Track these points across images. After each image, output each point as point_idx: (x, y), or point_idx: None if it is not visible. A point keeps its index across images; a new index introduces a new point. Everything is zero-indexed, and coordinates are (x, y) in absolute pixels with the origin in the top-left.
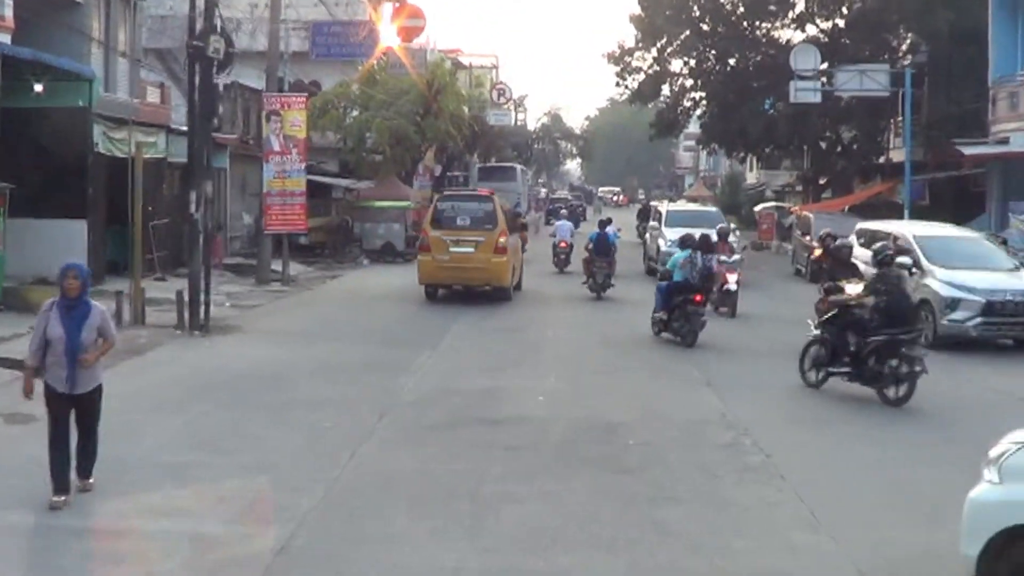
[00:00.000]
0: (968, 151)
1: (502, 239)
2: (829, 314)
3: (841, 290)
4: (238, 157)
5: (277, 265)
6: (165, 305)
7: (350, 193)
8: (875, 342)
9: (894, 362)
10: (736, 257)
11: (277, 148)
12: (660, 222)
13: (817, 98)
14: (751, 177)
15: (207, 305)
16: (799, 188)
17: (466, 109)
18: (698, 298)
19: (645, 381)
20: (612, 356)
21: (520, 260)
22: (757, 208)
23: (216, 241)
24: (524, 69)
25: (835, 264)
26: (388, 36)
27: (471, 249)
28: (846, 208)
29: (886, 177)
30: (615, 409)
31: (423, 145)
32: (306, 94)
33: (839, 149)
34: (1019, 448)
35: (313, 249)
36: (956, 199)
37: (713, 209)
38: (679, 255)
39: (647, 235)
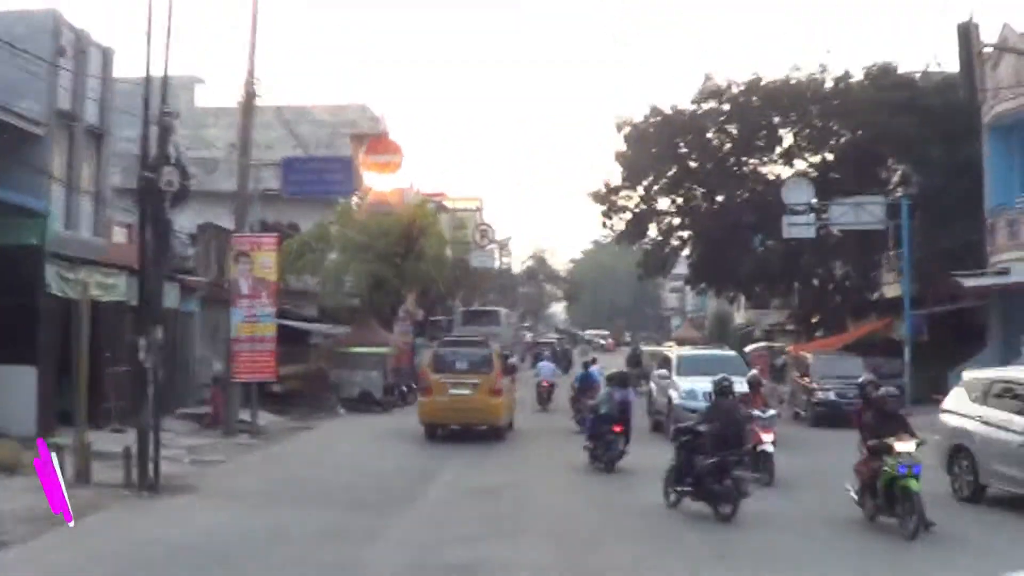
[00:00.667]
0: (968, 283)
1: (497, 381)
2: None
3: (889, 449)
4: (211, 302)
5: (248, 415)
6: (117, 460)
7: (327, 339)
8: (710, 463)
9: (728, 482)
10: (771, 412)
11: (246, 291)
12: (670, 370)
13: (811, 233)
14: (739, 317)
15: (157, 462)
16: (790, 327)
17: (448, 252)
18: (617, 428)
19: (648, 556)
20: (610, 524)
21: (513, 401)
22: (748, 348)
23: (216, 393)
24: (508, 211)
25: (879, 417)
26: (367, 174)
27: (469, 391)
28: (840, 347)
29: (881, 313)
30: None
31: (403, 289)
32: (277, 234)
33: (831, 286)
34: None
35: (287, 398)
36: (956, 334)
37: (731, 353)
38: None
39: (652, 385)
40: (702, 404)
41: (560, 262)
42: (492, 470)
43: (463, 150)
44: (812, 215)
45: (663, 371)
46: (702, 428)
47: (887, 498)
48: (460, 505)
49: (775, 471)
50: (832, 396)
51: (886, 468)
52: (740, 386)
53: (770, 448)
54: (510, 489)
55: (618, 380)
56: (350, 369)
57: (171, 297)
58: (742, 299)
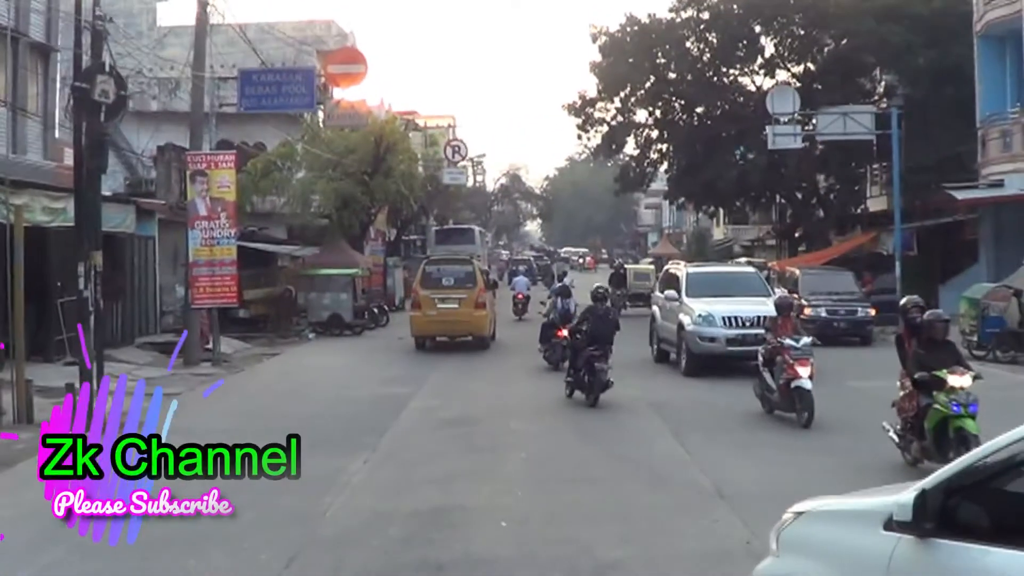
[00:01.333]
0: (961, 196)
1: (481, 296)
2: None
3: (941, 384)
4: (171, 225)
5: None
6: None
7: (295, 261)
8: (582, 359)
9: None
10: (806, 340)
11: (204, 212)
12: (679, 291)
13: (798, 143)
14: (718, 232)
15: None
16: (771, 242)
17: (420, 169)
18: (560, 333)
19: (640, 494)
20: (596, 459)
21: (495, 314)
22: (740, 261)
23: (205, 319)
24: (482, 129)
25: (928, 345)
26: (331, 85)
27: (455, 305)
28: (825, 262)
29: (866, 228)
30: (603, 541)
31: (373, 207)
32: (234, 151)
33: (814, 200)
34: (794, 519)
35: (255, 323)
36: (945, 248)
37: (749, 270)
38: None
39: (654, 309)
40: (721, 331)
41: (535, 179)
42: (465, 397)
43: (435, 68)
44: (798, 126)
45: (671, 292)
46: (584, 327)
47: (937, 441)
48: (431, 439)
49: (815, 409)
50: (823, 313)
51: (937, 406)
52: (762, 307)
53: (807, 384)
54: (484, 423)
55: (561, 291)
56: (318, 292)
57: (127, 221)
58: (721, 214)
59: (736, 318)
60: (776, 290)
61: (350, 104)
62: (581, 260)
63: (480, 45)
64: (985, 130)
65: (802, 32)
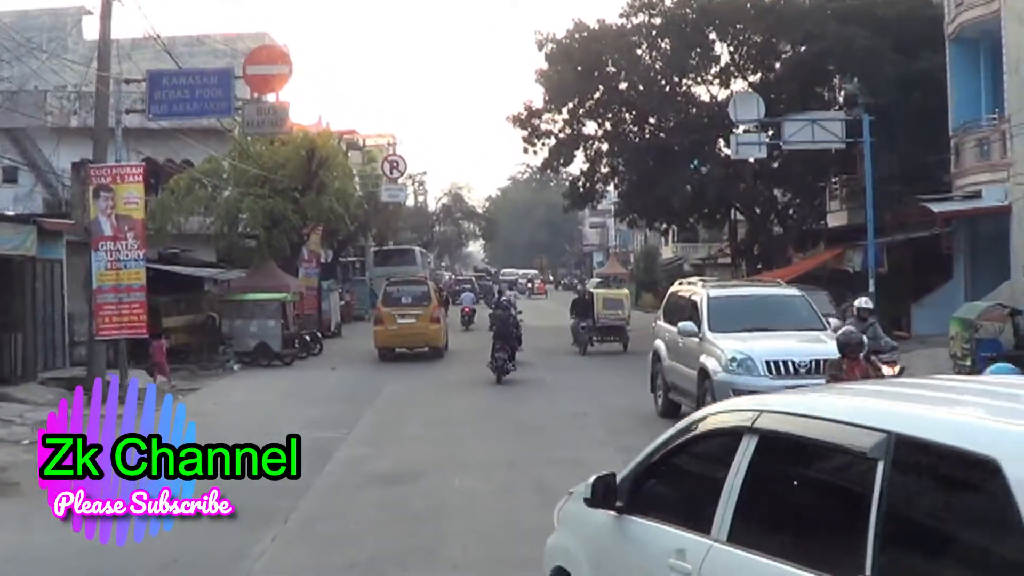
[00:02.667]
0: (938, 208)
1: (435, 312)
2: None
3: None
4: (83, 247)
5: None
6: None
7: (219, 285)
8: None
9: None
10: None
11: (109, 232)
12: (698, 322)
13: (763, 152)
14: (667, 251)
15: None
16: (723, 260)
17: (357, 186)
18: (500, 347)
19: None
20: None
21: (446, 327)
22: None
23: (157, 347)
24: (424, 149)
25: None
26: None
27: (413, 320)
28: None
29: (830, 243)
30: None
31: (306, 227)
32: (143, 163)
33: (772, 215)
34: (569, 496)
35: (177, 353)
36: (916, 264)
37: (793, 292)
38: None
39: (658, 345)
40: (765, 381)
41: (477, 199)
42: (402, 443)
43: (375, 86)
44: (763, 133)
45: (686, 324)
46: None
47: None
48: (359, 503)
49: None
50: None
51: None
52: (818, 346)
53: None
54: (423, 479)
55: (504, 307)
56: (244, 319)
57: (26, 243)
58: (671, 232)
59: (785, 363)
60: (831, 320)
61: (270, 105)
62: (529, 284)
63: (421, 63)
64: (960, 138)
65: (759, 39)
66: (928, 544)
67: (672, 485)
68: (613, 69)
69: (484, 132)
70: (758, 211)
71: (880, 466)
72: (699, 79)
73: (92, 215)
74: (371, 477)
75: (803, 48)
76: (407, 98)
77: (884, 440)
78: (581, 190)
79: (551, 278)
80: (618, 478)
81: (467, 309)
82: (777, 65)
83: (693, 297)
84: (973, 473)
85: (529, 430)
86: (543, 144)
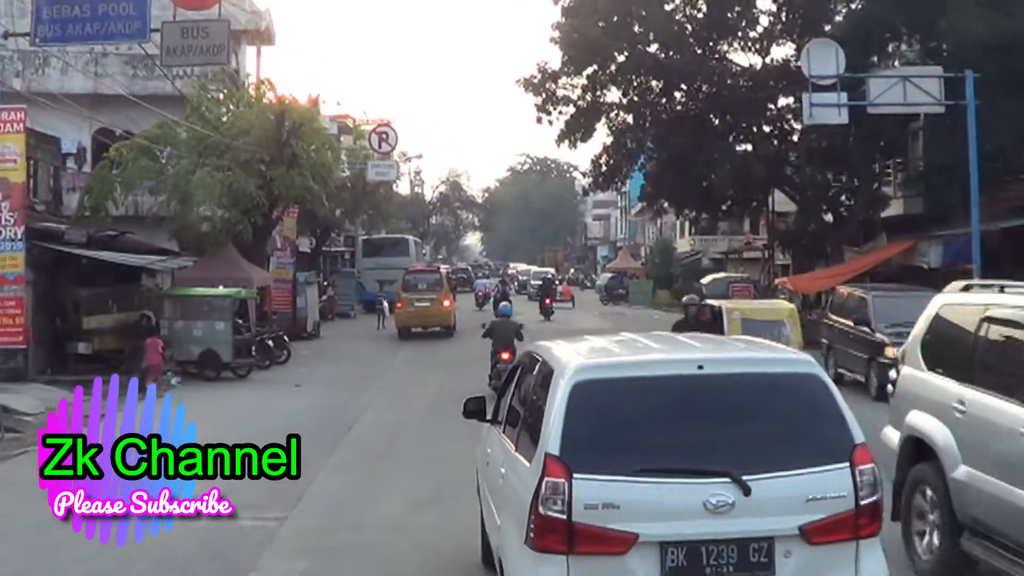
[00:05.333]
0: None
1: (446, 296)
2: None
3: None
4: None
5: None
6: None
7: (156, 277)
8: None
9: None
10: None
11: None
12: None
13: (843, 117)
14: (682, 244)
15: None
16: (748, 255)
17: (344, 163)
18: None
19: None
20: None
21: (455, 310)
22: (705, 281)
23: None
24: (420, 138)
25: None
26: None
27: (428, 304)
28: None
29: (894, 235)
30: None
31: (277, 207)
32: (23, 107)
33: (825, 203)
34: None
35: (105, 360)
36: (1016, 258)
37: None
38: None
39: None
40: None
41: (476, 188)
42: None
43: (371, 70)
44: (843, 93)
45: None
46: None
47: None
48: None
49: None
50: None
51: None
52: None
53: None
54: None
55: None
56: (187, 319)
57: None
58: (687, 225)
59: None
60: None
61: (200, 24)
62: (555, 284)
63: (415, 42)
64: None
65: None
66: None
67: None
68: (641, 29)
69: (484, 121)
70: (810, 195)
71: None
72: (738, 43)
73: None
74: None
75: (860, 5)
76: (401, 80)
77: None
78: (603, 168)
79: (571, 275)
80: None
81: (480, 293)
82: (827, 28)
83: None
84: None
85: None
86: (559, 113)
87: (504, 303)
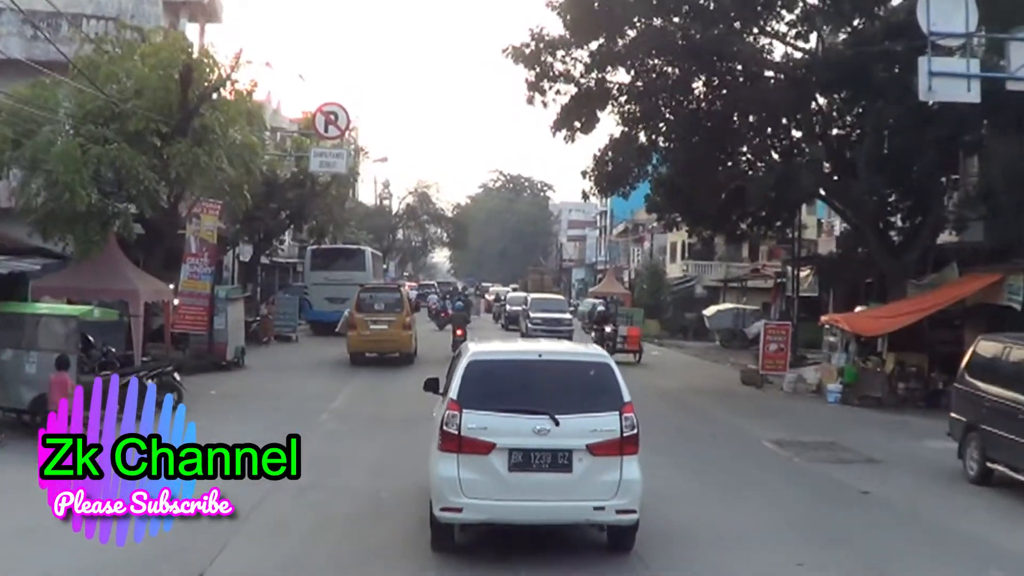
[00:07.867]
0: None
1: (407, 319)
2: None
3: None
4: None
5: None
6: None
7: None
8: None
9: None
10: None
11: None
12: None
13: (973, 95)
14: (674, 269)
15: None
16: (753, 284)
17: (292, 159)
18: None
19: None
20: None
21: (417, 334)
22: (711, 312)
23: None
24: (388, 146)
25: None
26: None
27: (385, 327)
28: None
29: (966, 266)
30: None
31: (187, 199)
32: None
33: (880, 223)
34: None
35: None
36: None
37: None
38: None
39: None
40: None
41: (445, 202)
42: None
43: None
44: (973, 60)
45: None
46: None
47: None
48: None
49: None
50: None
51: None
52: None
53: None
54: None
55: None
56: (15, 348)
57: None
58: (679, 246)
59: None
60: None
61: None
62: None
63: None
64: None
65: None
66: None
67: None
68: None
69: (456, 134)
70: (868, 211)
71: None
72: (767, 28)
73: None
74: None
75: None
76: (368, 83)
77: None
78: (610, 166)
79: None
80: None
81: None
82: (880, 11)
83: None
84: None
85: None
86: (556, 93)
87: (459, 303)
